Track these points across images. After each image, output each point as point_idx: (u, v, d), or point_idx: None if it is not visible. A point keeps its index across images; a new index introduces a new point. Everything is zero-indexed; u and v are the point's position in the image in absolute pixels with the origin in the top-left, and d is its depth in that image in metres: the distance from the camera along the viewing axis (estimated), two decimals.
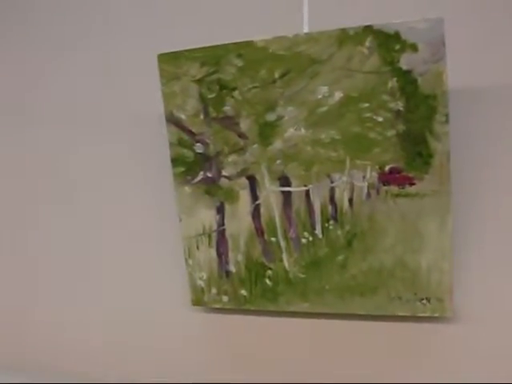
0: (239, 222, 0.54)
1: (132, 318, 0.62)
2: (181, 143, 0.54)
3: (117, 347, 0.62)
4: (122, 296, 0.62)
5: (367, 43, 0.47)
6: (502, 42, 0.50)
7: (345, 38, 0.47)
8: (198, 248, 0.56)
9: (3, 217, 0.68)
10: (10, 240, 0.68)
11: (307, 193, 0.51)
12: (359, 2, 0.51)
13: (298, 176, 0.51)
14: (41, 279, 0.66)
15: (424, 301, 0.51)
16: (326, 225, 0.51)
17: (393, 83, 0.47)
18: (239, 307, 0.56)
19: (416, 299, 0.51)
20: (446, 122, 0.46)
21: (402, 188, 0.49)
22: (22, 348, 0.67)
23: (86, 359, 0.63)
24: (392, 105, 0.47)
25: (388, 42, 0.46)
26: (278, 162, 0.51)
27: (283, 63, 0.49)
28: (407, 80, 0.46)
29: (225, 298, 0.56)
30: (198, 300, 0.57)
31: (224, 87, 0.51)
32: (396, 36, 0.46)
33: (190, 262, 0.56)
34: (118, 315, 0.63)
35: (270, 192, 0.52)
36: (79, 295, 0.65)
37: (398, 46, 0.46)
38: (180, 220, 0.56)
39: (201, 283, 0.57)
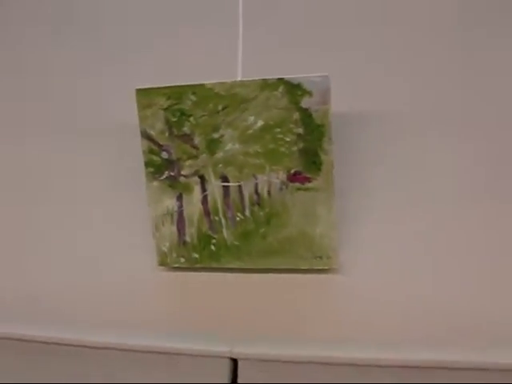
0: (193, 206, 0.77)
1: (109, 279, 0.82)
2: (151, 151, 0.76)
3: (92, 297, 0.79)
4: (100, 261, 0.84)
5: (280, 89, 0.70)
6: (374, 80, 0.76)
7: (265, 85, 0.71)
8: (162, 224, 0.79)
9: None
10: None
11: (239, 187, 0.75)
12: (276, 60, 0.76)
13: (233, 176, 0.74)
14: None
15: (318, 258, 0.76)
16: (252, 208, 0.75)
17: (296, 116, 0.71)
18: (192, 266, 0.79)
19: (313, 257, 0.76)
20: (330, 142, 0.71)
21: (303, 184, 0.73)
22: None
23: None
24: (295, 130, 0.71)
25: (293, 89, 0.70)
26: (220, 165, 0.74)
27: (224, 100, 0.72)
28: (305, 114, 0.70)
29: (182, 260, 0.79)
30: (163, 262, 0.80)
31: (183, 114, 0.74)
32: (299, 85, 0.70)
33: (157, 234, 0.79)
34: (96, 275, 0.83)
35: (215, 186, 0.75)
36: (58, 261, 0.83)
37: (300, 92, 0.70)
38: (149, 205, 0.79)
39: (164, 250, 0.80)
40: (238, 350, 0.65)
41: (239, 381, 0.66)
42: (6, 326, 0.72)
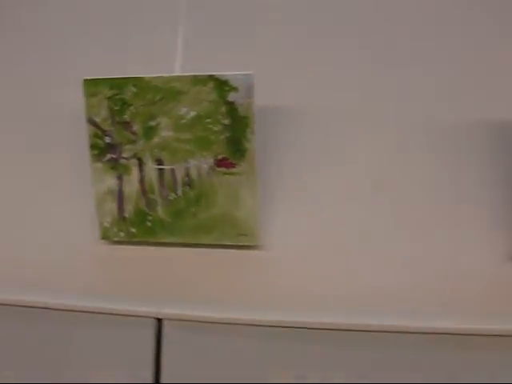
0: (131, 185, 0.86)
1: (56, 250, 0.90)
2: (95, 136, 0.85)
3: (42, 264, 0.87)
4: (49, 234, 0.91)
5: (209, 85, 0.80)
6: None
7: (196, 80, 0.80)
8: (105, 202, 0.88)
9: None
10: None
11: (173, 170, 0.84)
12: (208, 58, 0.85)
13: (167, 159, 0.84)
14: None
15: (243, 235, 0.85)
16: (184, 189, 0.85)
17: (223, 108, 0.80)
18: (130, 239, 0.88)
19: (238, 234, 0.85)
20: (253, 132, 0.81)
21: (228, 169, 0.83)
22: None
23: None
24: (223, 121, 0.81)
25: (221, 85, 0.80)
26: (156, 150, 0.84)
27: (161, 92, 0.81)
28: (232, 107, 0.80)
29: (122, 234, 0.88)
30: (105, 236, 0.89)
31: (124, 103, 0.83)
32: (226, 82, 0.80)
33: (100, 211, 0.88)
34: (45, 247, 0.91)
35: (151, 168, 0.85)
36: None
37: (227, 88, 0.80)
38: (93, 184, 0.88)
39: (106, 225, 0.88)
40: (164, 311, 0.75)
41: (164, 340, 0.76)
42: None
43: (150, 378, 0.78)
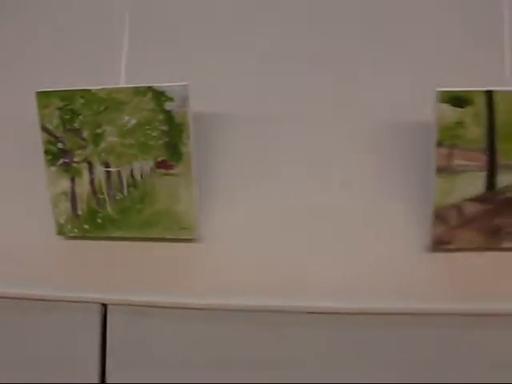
0: (83, 187, 0.95)
1: (16, 244, 0.99)
2: (49, 142, 0.95)
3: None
4: (10, 230, 1.00)
5: (148, 95, 0.90)
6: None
7: (137, 91, 0.90)
8: (60, 201, 0.98)
9: None
10: None
11: (119, 172, 0.93)
12: (150, 70, 0.95)
13: (113, 163, 0.93)
14: None
15: (183, 229, 0.95)
16: (129, 189, 0.95)
17: (161, 116, 0.90)
18: (83, 235, 0.97)
19: (179, 229, 0.96)
20: (189, 137, 0.91)
21: (167, 170, 0.93)
22: None
23: None
24: (161, 127, 0.90)
25: (159, 95, 0.90)
26: (103, 154, 0.93)
27: (105, 102, 0.91)
28: (169, 115, 0.90)
29: (76, 230, 0.98)
30: (60, 232, 0.98)
31: (74, 113, 0.92)
32: (163, 92, 0.89)
33: (56, 210, 0.97)
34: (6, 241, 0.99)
35: (99, 171, 0.94)
36: None
37: (164, 98, 0.90)
38: (47, 186, 0.98)
39: (62, 222, 0.98)
40: (109, 297, 0.85)
41: (108, 325, 0.86)
42: None
43: (96, 360, 0.87)
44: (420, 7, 0.98)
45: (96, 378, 0.87)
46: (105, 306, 0.86)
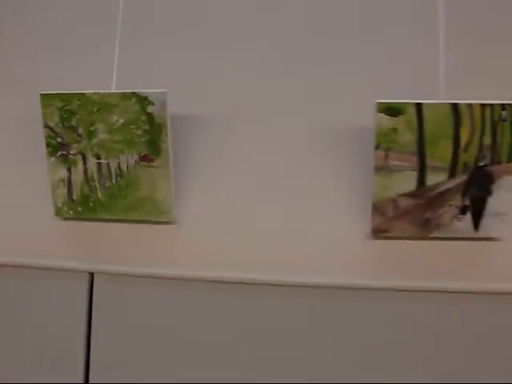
0: (78, 175, 1.11)
1: (20, 223, 1.16)
2: (50, 137, 1.11)
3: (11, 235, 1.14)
4: (14, 212, 1.18)
5: (133, 99, 1.06)
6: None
7: (124, 96, 1.06)
8: (58, 188, 1.15)
9: None
10: None
11: (108, 163, 1.10)
12: (133, 78, 1.11)
13: (103, 156, 1.08)
14: None
15: (162, 213, 1.11)
16: (117, 178, 1.11)
17: (144, 118, 1.05)
18: (78, 216, 1.13)
19: (158, 212, 1.12)
20: (167, 136, 1.07)
21: (149, 163, 1.09)
22: None
23: None
24: (143, 127, 1.06)
25: (142, 100, 1.05)
26: (95, 148, 1.09)
27: (97, 105, 1.07)
28: (150, 117, 1.06)
29: (71, 212, 1.14)
30: (57, 213, 1.14)
31: (71, 113, 1.09)
32: (146, 97, 1.05)
33: (54, 194, 1.14)
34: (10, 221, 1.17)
35: (92, 162, 1.11)
36: None
37: (146, 102, 1.06)
38: (48, 174, 1.15)
39: (59, 205, 1.15)
40: (96, 267, 1.02)
41: (94, 292, 1.03)
42: None
43: (84, 321, 1.05)
44: (363, 26, 1.14)
45: (83, 333, 1.05)
46: (92, 274, 1.03)
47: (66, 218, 1.12)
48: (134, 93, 1.03)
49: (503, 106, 0.96)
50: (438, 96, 0.97)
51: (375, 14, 1.11)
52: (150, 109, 1.02)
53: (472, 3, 1.08)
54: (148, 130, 1.04)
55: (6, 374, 1.07)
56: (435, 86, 0.98)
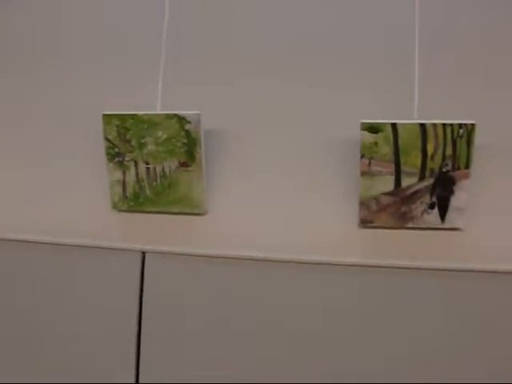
0: (131, 177, 1.43)
1: (85, 216, 1.51)
2: (109, 147, 1.42)
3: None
4: (83, 207, 1.53)
5: (174, 119, 1.37)
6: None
7: (166, 116, 1.35)
8: (115, 186, 1.47)
9: None
10: None
11: (154, 168, 1.41)
12: (179, 98, 1.43)
13: (151, 162, 1.40)
14: None
15: (195, 207, 1.43)
16: (161, 179, 1.42)
17: (183, 133, 1.35)
18: (130, 209, 1.45)
19: (193, 206, 1.44)
20: (200, 147, 1.38)
21: (186, 168, 1.41)
22: None
23: None
24: (182, 140, 1.35)
25: (181, 119, 1.35)
26: (145, 156, 1.41)
27: (146, 123, 1.37)
28: (187, 133, 1.35)
29: (125, 206, 1.46)
30: (114, 206, 1.44)
31: (126, 129, 1.40)
32: (184, 117, 1.35)
33: (112, 192, 1.46)
34: (82, 214, 1.52)
35: (142, 168, 1.42)
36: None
37: (184, 121, 1.35)
38: (108, 176, 1.47)
39: (115, 200, 1.45)
40: (147, 247, 1.35)
41: (146, 268, 1.36)
42: None
43: (136, 299, 1.37)
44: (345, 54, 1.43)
45: (136, 303, 1.37)
46: (143, 253, 1.35)
47: (121, 211, 1.44)
48: (175, 114, 1.34)
49: (460, 125, 1.24)
50: (410, 117, 1.26)
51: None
52: (187, 126, 1.33)
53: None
54: (186, 142, 1.35)
55: (64, 343, 1.40)
56: (409, 109, 1.27)
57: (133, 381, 1.38)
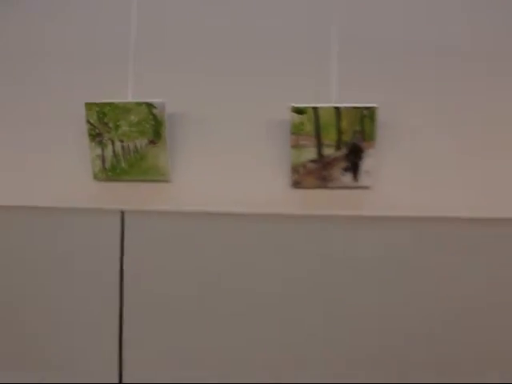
0: (108, 153, 1.75)
1: (67, 185, 1.87)
2: (91, 129, 1.74)
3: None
4: (65, 177, 1.87)
5: (143, 106, 1.72)
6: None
7: (137, 104, 1.70)
8: (95, 160, 1.80)
9: None
10: None
11: (128, 145, 1.75)
12: (147, 89, 1.78)
13: (125, 140, 1.73)
14: None
15: (161, 175, 1.79)
16: (134, 154, 1.77)
17: (151, 117, 1.70)
18: (108, 178, 1.80)
19: (160, 175, 1.79)
20: (165, 128, 1.74)
21: (154, 144, 1.77)
22: None
23: None
24: (151, 122, 1.71)
25: (149, 106, 1.71)
26: (120, 136, 1.75)
27: (121, 109, 1.72)
28: (155, 116, 1.71)
29: (104, 176, 1.81)
30: (95, 177, 1.77)
31: (104, 114, 1.73)
32: (152, 104, 1.70)
33: (93, 164, 1.78)
34: (64, 183, 1.87)
35: (118, 145, 1.74)
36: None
37: (152, 107, 1.72)
38: (89, 152, 1.82)
39: (96, 171, 1.77)
40: (125, 207, 1.71)
41: (125, 225, 1.72)
42: None
43: (117, 253, 1.74)
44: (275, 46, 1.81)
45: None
46: (122, 212, 1.72)
47: (101, 180, 1.78)
48: (144, 102, 1.69)
49: (366, 108, 1.64)
50: (328, 102, 1.65)
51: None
52: (154, 111, 1.69)
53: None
54: (153, 124, 1.70)
55: (55, 293, 1.76)
56: (327, 95, 1.66)
57: (116, 338, 1.76)
